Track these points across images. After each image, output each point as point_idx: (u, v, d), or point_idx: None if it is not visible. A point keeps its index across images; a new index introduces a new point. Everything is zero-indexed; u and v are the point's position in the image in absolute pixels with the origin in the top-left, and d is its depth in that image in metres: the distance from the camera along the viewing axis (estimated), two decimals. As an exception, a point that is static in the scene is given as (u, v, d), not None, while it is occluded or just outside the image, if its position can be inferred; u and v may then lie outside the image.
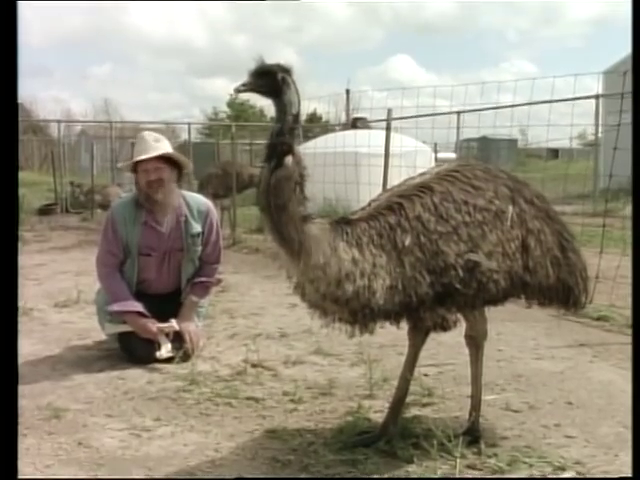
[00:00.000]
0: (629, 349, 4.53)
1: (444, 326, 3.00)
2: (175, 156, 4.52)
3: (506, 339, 4.84)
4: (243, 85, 2.70)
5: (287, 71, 2.68)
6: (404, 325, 3.28)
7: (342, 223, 2.80)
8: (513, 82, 8.57)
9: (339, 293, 2.70)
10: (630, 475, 2.44)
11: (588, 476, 2.86)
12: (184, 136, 24.97)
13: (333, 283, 2.68)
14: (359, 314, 2.77)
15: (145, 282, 4.57)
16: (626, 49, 19.11)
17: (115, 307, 4.39)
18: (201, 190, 11.49)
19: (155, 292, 4.59)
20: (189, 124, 21.73)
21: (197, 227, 4.57)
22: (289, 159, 2.64)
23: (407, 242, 2.75)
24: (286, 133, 2.65)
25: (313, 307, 2.87)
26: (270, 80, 2.67)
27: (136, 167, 4.42)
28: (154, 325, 4.39)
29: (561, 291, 3.08)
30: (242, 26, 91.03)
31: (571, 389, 3.85)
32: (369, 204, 2.99)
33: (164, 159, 4.41)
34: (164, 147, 4.45)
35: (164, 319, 4.44)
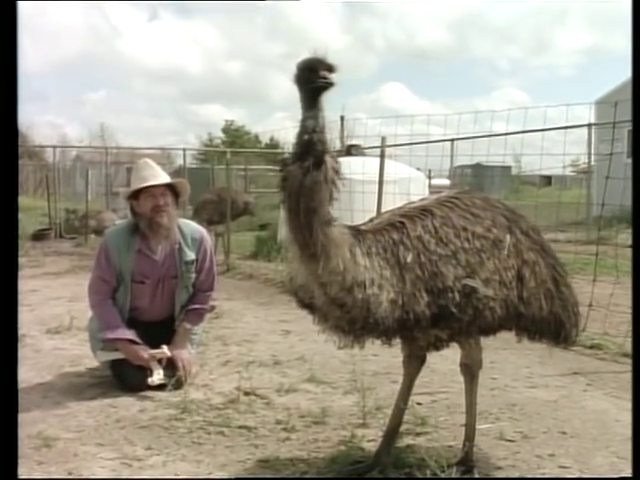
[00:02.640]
0: (623, 377, 4.54)
1: (437, 346, 2.98)
2: (178, 183, 4.59)
3: (500, 367, 4.83)
4: None
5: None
6: (398, 352, 3.28)
7: (355, 230, 2.79)
8: (506, 111, 8.65)
9: (348, 299, 2.66)
10: (630, 475, 2.44)
11: (588, 476, 2.85)
12: (179, 162, 25.04)
13: (346, 288, 2.64)
14: (358, 324, 2.73)
15: (138, 309, 4.56)
16: (617, 79, 19.36)
17: (106, 335, 4.38)
18: (196, 216, 11.51)
19: (148, 319, 4.58)
20: (184, 150, 21.79)
21: (191, 254, 4.57)
22: (329, 159, 2.56)
23: (409, 259, 2.76)
24: (323, 130, 2.56)
25: (316, 311, 2.83)
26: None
27: (138, 194, 4.42)
28: (146, 352, 4.37)
29: (553, 325, 3.07)
30: (236, 52, 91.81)
31: (565, 418, 3.83)
32: (370, 220, 3.00)
33: (166, 185, 4.46)
34: (165, 174, 4.54)
35: (157, 347, 4.42)
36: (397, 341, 3.11)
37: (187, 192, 4.65)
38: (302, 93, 2.59)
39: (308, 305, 2.86)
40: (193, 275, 4.60)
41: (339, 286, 2.64)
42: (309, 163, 2.52)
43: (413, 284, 2.74)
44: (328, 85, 2.54)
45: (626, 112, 6.11)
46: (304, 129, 2.55)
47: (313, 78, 2.54)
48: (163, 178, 4.45)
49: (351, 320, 2.73)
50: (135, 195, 4.43)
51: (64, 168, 25.91)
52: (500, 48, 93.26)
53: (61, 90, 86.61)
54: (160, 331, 4.52)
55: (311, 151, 2.52)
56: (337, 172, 2.59)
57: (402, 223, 2.85)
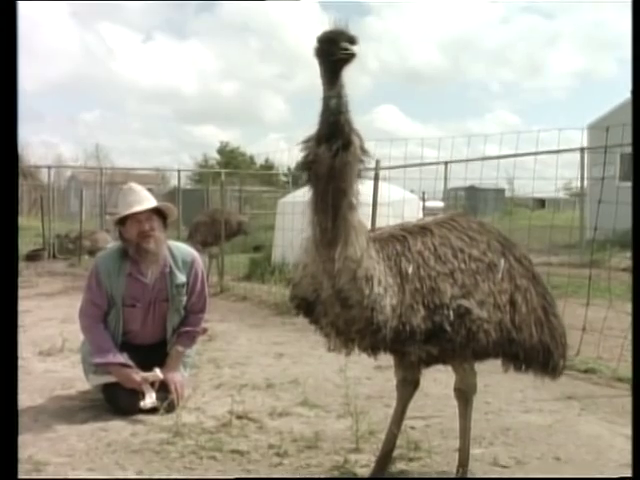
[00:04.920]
0: (617, 402, 4.53)
1: (427, 362, 2.97)
2: (164, 207, 4.57)
3: (493, 391, 4.81)
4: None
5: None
6: (391, 376, 3.27)
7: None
8: (499, 135, 8.69)
9: (354, 293, 2.63)
10: (630, 475, 2.44)
11: (588, 476, 2.83)
12: (174, 182, 25.12)
13: (357, 279, 2.61)
14: (358, 324, 2.70)
15: (130, 333, 4.54)
16: (609, 102, 19.51)
17: (97, 359, 4.36)
18: (190, 238, 11.50)
19: (141, 343, 4.56)
20: (179, 171, 21.89)
21: (182, 277, 4.55)
22: (356, 139, 2.52)
23: (410, 270, 2.76)
24: (347, 109, 2.51)
25: (316, 307, 2.78)
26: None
27: (125, 220, 4.42)
28: (138, 374, 4.35)
29: (541, 353, 3.06)
30: (230, 73, 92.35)
31: (559, 443, 3.81)
32: (370, 231, 2.99)
33: (153, 209, 4.45)
34: (151, 197, 4.52)
35: (151, 370, 4.40)
36: (389, 362, 3.11)
37: (174, 214, 4.64)
38: (322, 67, 2.54)
39: (304, 301, 2.82)
40: (184, 298, 4.59)
41: (350, 275, 2.60)
42: (338, 145, 2.48)
43: (412, 296, 2.73)
44: (349, 57, 2.50)
45: (618, 136, 6.18)
46: (329, 109, 2.50)
47: (334, 50, 2.49)
48: (148, 203, 4.43)
49: (351, 319, 2.69)
50: (122, 221, 4.44)
51: (58, 188, 25.90)
52: (493, 71, 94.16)
53: (56, 110, 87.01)
54: (153, 354, 4.49)
55: (339, 133, 2.48)
56: (363, 150, 2.57)
57: (404, 237, 2.87)
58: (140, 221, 4.37)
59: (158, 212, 4.50)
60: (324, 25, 2.54)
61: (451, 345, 2.81)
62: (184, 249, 4.73)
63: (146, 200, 4.44)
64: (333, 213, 2.53)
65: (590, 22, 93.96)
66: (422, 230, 2.93)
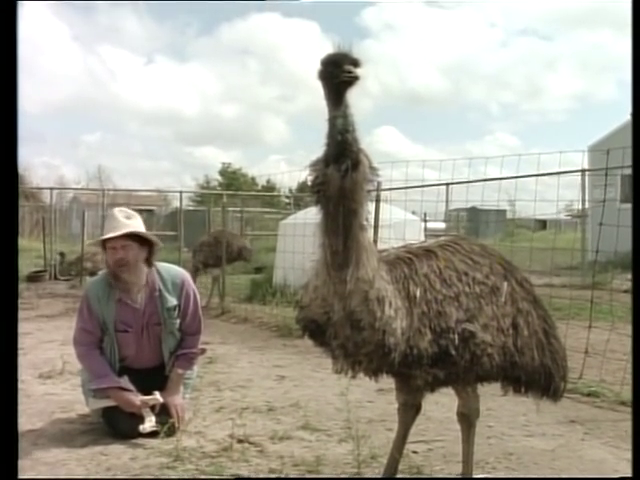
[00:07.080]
0: (620, 426, 4.49)
1: (433, 386, 2.94)
2: (144, 234, 4.42)
3: (496, 415, 4.77)
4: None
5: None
6: (393, 400, 3.25)
7: None
8: (500, 157, 8.71)
9: (366, 315, 2.60)
10: (630, 475, 2.42)
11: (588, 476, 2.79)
12: (176, 203, 25.14)
13: (367, 302, 2.58)
14: (364, 348, 2.68)
15: (127, 358, 4.50)
16: (609, 124, 19.62)
17: (95, 385, 4.33)
18: (193, 257, 11.48)
19: (139, 367, 4.51)
20: (181, 192, 21.89)
21: (172, 300, 4.48)
22: (364, 158, 2.51)
23: (418, 294, 2.75)
24: (354, 128, 2.50)
25: (326, 329, 2.75)
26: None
27: (105, 245, 4.36)
28: (137, 398, 4.31)
29: (543, 376, 3.06)
30: (230, 95, 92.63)
31: (563, 468, 3.77)
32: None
33: (133, 237, 4.32)
34: (135, 225, 4.36)
35: (150, 394, 4.36)
36: (390, 386, 3.08)
37: (156, 241, 4.48)
38: (327, 89, 2.54)
39: (313, 323, 2.79)
40: (177, 320, 4.52)
41: (362, 297, 2.58)
42: (347, 165, 2.47)
43: (419, 319, 2.72)
44: (353, 79, 2.49)
45: (618, 158, 6.20)
46: (335, 129, 2.49)
47: (337, 73, 2.49)
48: (124, 229, 4.28)
49: (362, 342, 2.66)
50: (104, 247, 4.38)
51: (60, 210, 25.91)
52: (492, 93, 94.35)
53: (58, 132, 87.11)
54: (152, 378, 4.45)
55: (347, 152, 2.47)
56: (372, 169, 2.56)
57: (410, 259, 2.85)
58: (115, 248, 4.29)
59: (140, 241, 4.37)
60: (326, 48, 2.55)
61: (455, 369, 2.80)
62: (174, 271, 4.65)
63: (123, 226, 4.29)
64: (344, 234, 2.52)
65: (589, 44, 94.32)
66: (427, 253, 2.92)
